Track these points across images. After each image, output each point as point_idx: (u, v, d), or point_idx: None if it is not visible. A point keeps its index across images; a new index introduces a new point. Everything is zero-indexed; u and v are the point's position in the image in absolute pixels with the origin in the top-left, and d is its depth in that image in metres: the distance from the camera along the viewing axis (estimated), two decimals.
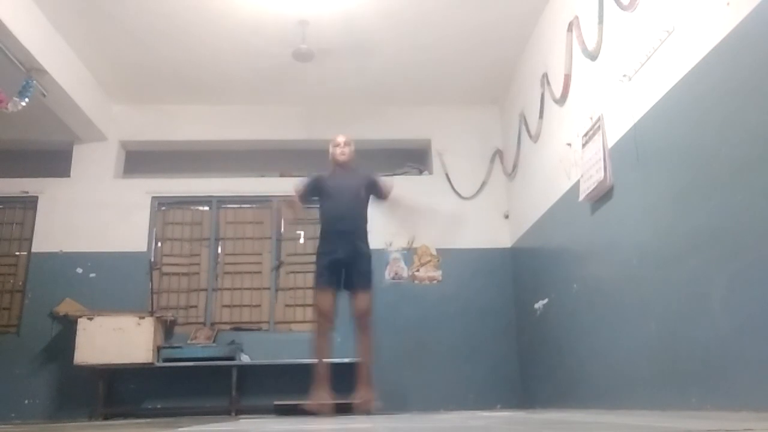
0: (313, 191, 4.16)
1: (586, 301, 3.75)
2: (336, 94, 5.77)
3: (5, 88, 4.20)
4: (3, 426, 4.45)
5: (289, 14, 4.55)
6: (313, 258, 5.56)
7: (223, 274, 5.72)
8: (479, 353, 5.33)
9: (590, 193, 3.58)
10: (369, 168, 4.28)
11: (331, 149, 4.19)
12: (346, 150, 4.12)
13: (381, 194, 4.15)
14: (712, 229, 2.41)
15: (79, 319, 4.86)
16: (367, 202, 4.11)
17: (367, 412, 3.79)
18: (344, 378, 5.07)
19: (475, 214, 5.71)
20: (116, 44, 4.95)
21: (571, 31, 3.92)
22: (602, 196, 3.43)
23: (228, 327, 5.48)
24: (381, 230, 5.19)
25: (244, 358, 5.16)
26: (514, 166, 5.39)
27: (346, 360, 5.01)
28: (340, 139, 4.17)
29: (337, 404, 3.90)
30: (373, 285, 4.05)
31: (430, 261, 5.61)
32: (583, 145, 3.71)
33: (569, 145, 3.99)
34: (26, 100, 4.33)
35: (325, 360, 3.89)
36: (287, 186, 5.75)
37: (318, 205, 4.24)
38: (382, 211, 4.29)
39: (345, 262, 3.93)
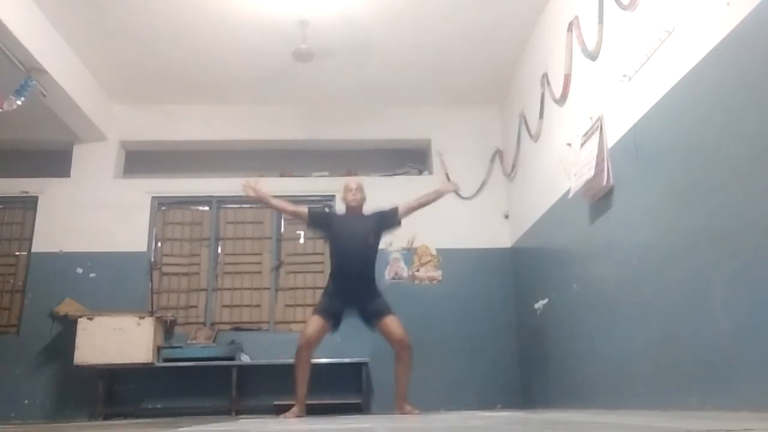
0: (321, 220, 4.31)
1: (586, 301, 3.75)
2: (336, 94, 5.77)
3: (5, 88, 4.20)
4: (3, 426, 4.45)
5: (289, 14, 4.55)
6: (313, 258, 5.72)
7: (223, 274, 5.72)
8: (479, 353, 5.33)
9: (580, 191, 3.61)
10: (377, 210, 4.26)
11: (342, 194, 4.27)
12: (358, 195, 4.20)
13: (394, 222, 4.23)
14: (712, 229, 2.41)
15: (79, 319, 4.86)
16: (377, 246, 4.18)
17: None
18: (342, 378, 5.10)
19: (475, 214, 5.71)
20: (116, 44, 4.95)
21: (571, 31, 3.92)
22: (602, 197, 3.43)
23: (228, 327, 5.48)
24: None
25: (244, 358, 5.16)
26: (514, 166, 5.39)
27: (346, 360, 5.05)
28: (352, 185, 4.25)
29: (344, 404, 3.97)
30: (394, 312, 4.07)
31: (430, 261, 5.60)
32: (582, 145, 3.72)
33: (569, 145, 3.99)
34: (22, 99, 4.32)
35: (304, 381, 3.96)
36: (287, 186, 5.82)
37: (328, 246, 4.39)
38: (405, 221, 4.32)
39: (355, 307, 4.01)
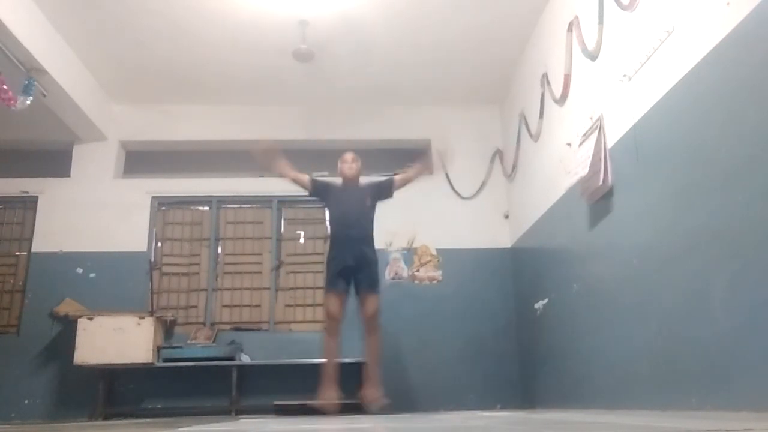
0: (322, 187, 4.45)
1: (586, 301, 3.75)
2: (336, 94, 5.78)
3: (9, 88, 4.20)
4: (3, 426, 4.45)
5: (289, 14, 4.56)
6: (313, 258, 5.73)
7: (223, 274, 5.72)
8: (479, 353, 5.33)
9: (576, 188, 3.64)
10: (374, 180, 4.51)
11: (339, 165, 4.45)
12: (354, 166, 4.41)
13: (388, 193, 4.43)
14: (712, 229, 2.41)
15: (79, 319, 4.86)
16: (373, 209, 4.37)
17: (376, 408, 3.98)
18: (351, 378, 5.10)
19: (475, 214, 5.71)
20: (116, 44, 4.95)
21: (571, 31, 3.92)
22: (602, 197, 3.43)
23: (228, 327, 5.48)
24: (381, 230, 5.19)
25: (244, 358, 5.16)
26: (514, 166, 5.39)
27: (346, 360, 5.04)
28: (348, 156, 4.45)
29: (344, 403, 4.06)
30: (381, 289, 4.28)
31: (430, 261, 5.61)
32: (580, 144, 3.72)
33: (569, 145, 3.99)
34: (30, 98, 4.34)
35: (334, 360, 4.10)
36: (287, 186, 5.81)
37: (327, 213, 4.57)
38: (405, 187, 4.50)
39: (353, 267, 4.16)
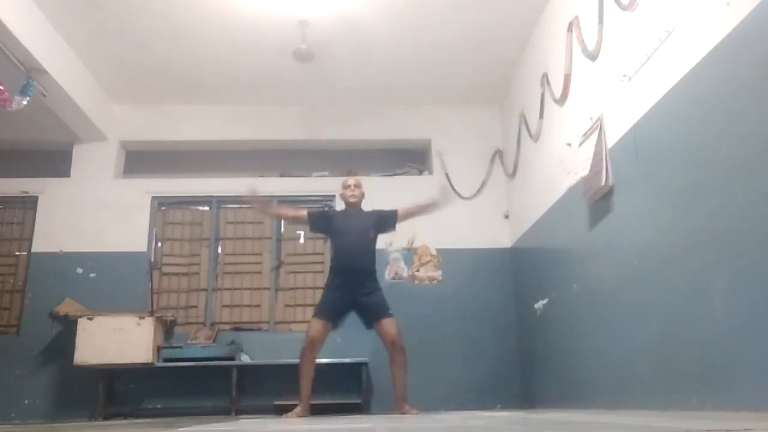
0: (322, 220, 4.36)
1: (586, 301, 3.75)
2: (336, 94, 5.78)
3: (5, 89, 4.20)
4: (3, 426, 4.45)
5: (289, 14, 4.56)
6: (313, 258, 5.73)
7: (223, 274, 5.72)
8: (479, 353, 5.33)
9: (577, 188, 3.65)
10: (376, 209, 4.37)
11: (341, 191, 4.37)
12: (357, 192, 4.31)
13: (392, 223, 4.34)
14: (712, 229, 2.41)
15: (79, 319, 4.86)
16: (375, 241, 4.27)
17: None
18: (342, 378, 5.11)
19: (475, 214, 5.71)
20: (116, 44, 4.95)
21: (571, 31, 3.93)
22: (602, 197, 3.43)
23: (228, 327, 5.48)
24: None
25: (244, 358, 5.16)
26: (515, 166, 5.39)
27: (346, 360, 5.06)
28: (351, 181, 4.36)
29: (332, 404, 4.00)
30: (393, 313, 4.12)
31: (430, 261, 5.60)
32: (580, 144, 3.72)
33: (569, 145, 3.99)
34: (27, 98, 4.34)
35: (309, 380, 4.02)
36: (287, 186, 5.83)
37: (329, 243, 4.48)
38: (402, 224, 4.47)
39: (355, 299, 4.06)
